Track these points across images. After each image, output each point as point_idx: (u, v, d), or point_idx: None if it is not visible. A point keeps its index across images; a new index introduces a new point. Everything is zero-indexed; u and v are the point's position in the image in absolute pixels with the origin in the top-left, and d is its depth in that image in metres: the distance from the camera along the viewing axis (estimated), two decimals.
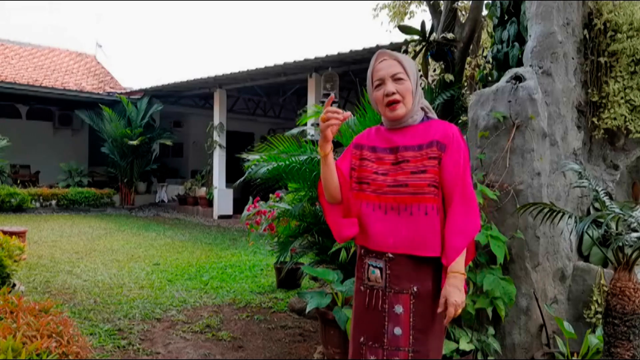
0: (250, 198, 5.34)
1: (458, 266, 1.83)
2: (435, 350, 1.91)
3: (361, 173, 1.97)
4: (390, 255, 1.88)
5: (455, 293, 1.80)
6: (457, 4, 6.41)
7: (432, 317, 1.88)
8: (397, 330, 1.87)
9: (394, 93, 1.89)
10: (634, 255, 2.51)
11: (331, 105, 1.91)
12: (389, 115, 1.93)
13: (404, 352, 1.86)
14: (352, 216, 1.98)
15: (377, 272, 1.91)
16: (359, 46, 8.84)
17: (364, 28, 40.25)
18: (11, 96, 14.00)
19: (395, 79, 1.90)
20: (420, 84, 2.00)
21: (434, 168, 1.87)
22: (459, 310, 1.81)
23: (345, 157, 2.07)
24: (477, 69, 6.15)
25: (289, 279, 5.37)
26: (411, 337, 1.86)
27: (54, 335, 2.10)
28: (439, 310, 1.84)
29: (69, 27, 41.24)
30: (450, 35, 5.94)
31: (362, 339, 1.94)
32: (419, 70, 4.23)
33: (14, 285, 4.07)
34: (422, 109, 1.99)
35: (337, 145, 4.12)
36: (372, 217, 1.92)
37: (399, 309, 1.87)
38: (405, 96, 1.90)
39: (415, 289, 1.87)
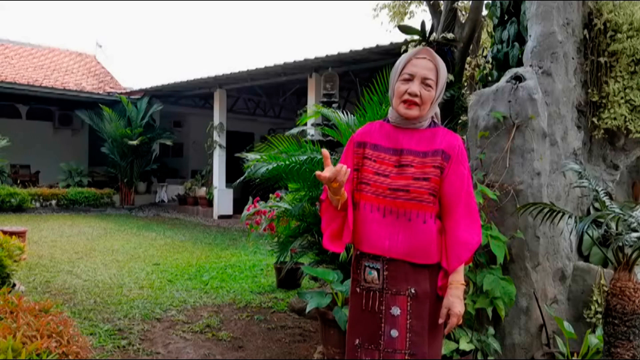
0: (250, 198, 5.34)
1: (459, 276, 1.86)
2: (432, 352, 1.90)
3: (362, 173, 1.94)
4: (387, 257, 1.87)
5: (457, 304, 1.82)
6: (457, 4, 6.42)
7: (429, 319, 1.88)
8: (394, 332, 1.86)
9: (416, 95, 1.86)
10: (634, 255, 2.51)
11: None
12: (401, 112, 1.90)
13: (400, 354, 1.85)
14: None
15: (374, 273, 1.89)
16: (359, 46, 8.85)
17: (364, 28, 40.33)
18: (11, 96, 14.00)
19: (425, 83, 1.88)
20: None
21: (436, 177, 1.86)
22: (460, 320, 1.84)
23: (347, 161, 1.98)
24: (477, 69, 6.15)
25: (289, 279, 5.37)
26: (408, 339, 1.85)
27: (54, 335, 2.09)
28: (440, 320, 1.85)
29: (69, 27, 41.26)
30: (450, 35, 5.94)
31: (357, 341, 1.92)
32: None
33: (14, 285, 4.07)
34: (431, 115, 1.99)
35: (337, 145, 4.12)
36: (369, 218, 1.89)
37: (395, 310, 1.86)
38: (425, 103, 1.88)
39: (412, 291, 1.86)
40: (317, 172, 1.77)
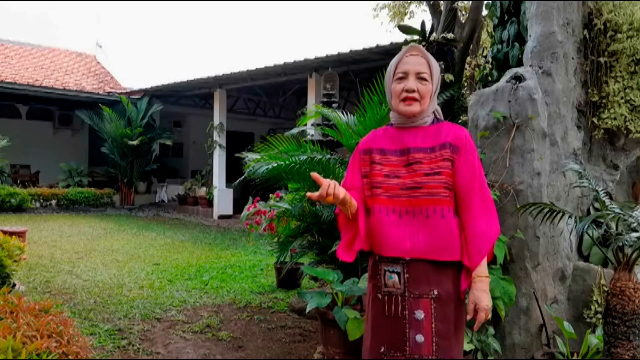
0: (250, 198, 5.34)
1: (482, 269, 1.82)
2: (457, 355, 1.87)
3: (372, 178, 1.93)
4: (408, 259, 1.84)
5: (484, 297, 1.79)
6: (457, 4, 6.42)
7: (453, 322, 1.84)
8: (419, 337, 1.81)
9: (414, 90, 1.86)
10: (634, 255, 2.51)
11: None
12: (402, 110, 1.89)
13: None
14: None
15: (395, 277, 1.86)
16: (359, 46, 8.85)
17: (364, 28, 40.26)
18: (11, 96, 14.01)
19: (420, 77, 1.87)
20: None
21: (448, 170, 1.84)
22: (489, 315, 1.80)
23: (353, 170, 1.99)
24: (477, 69, 6.15)
25: (289, 279, 5.36)
26: (434, 343, 1.80)
27: (54, 335, 2.09)
28: (469, 317, 1.82)
29: (68, 27, 41.26)
30: (450, 35, 5.94)
31: (382, 349, 1.86)
32: None
33: (14, 285, 4.07)
34: (433, 112, 1.97)
35: (337, 145, 4.12)
36: (385, 221, 1.86)
37: (419, 314, 1.82)
38: (424, 97, 1.88)
39: (435, 293, 1.82)
40: (308, 194, 1.80)
